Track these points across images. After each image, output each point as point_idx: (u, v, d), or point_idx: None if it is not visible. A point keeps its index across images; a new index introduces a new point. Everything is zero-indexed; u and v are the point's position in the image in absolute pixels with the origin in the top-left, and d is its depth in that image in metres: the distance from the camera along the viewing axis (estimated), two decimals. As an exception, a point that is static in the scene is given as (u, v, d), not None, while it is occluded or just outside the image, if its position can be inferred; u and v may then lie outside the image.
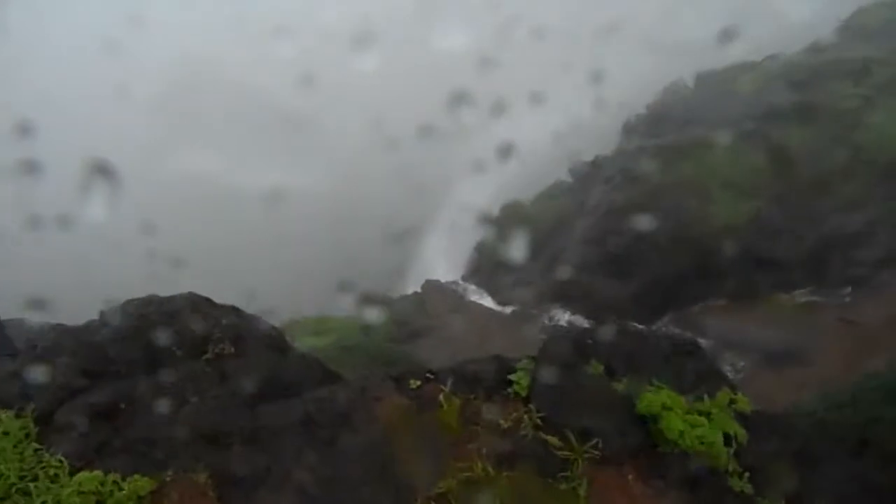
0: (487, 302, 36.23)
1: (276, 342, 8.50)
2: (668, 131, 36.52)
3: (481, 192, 42.58)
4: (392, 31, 42.23)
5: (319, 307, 31.58)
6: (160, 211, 30.46)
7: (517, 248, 36.85)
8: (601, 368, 8.00)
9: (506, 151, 34.09)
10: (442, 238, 43.70)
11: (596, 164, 39.07)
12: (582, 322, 29.32)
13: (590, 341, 8.71)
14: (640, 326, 10.71)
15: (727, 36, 29.57)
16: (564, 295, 32.32)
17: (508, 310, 34.60)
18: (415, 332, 31.84)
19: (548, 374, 7.94)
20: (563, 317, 31.61)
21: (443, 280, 39.53)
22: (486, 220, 41.67)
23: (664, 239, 29.33)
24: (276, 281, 34.78)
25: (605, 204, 32.86)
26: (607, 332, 9.02)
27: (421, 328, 32.63)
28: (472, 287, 38.77)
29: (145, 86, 41.72)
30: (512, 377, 8.06)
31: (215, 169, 37.00)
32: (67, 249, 26.74)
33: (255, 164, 38.68)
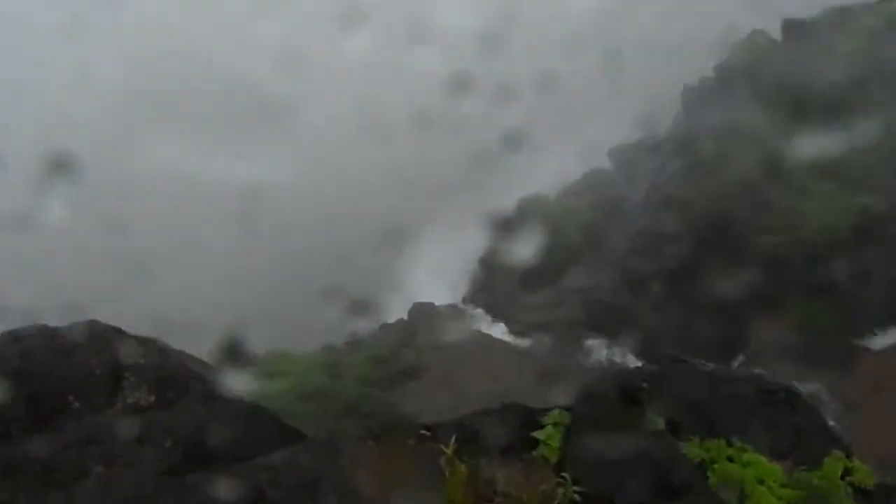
0: (498, 331, 36.24)
1: (213, 388, 8.31)
2: (744, 100, 36.65)
3: (485, 188, 43.56)
4: (384, 8, 47.23)
5: (294, 322, 34.22)
6: (127, 209, 34.91)
7: (539, 258, 36.85)
8: (661, 423, 7.83)
9: (513, 141, 35.26)
10: (437, 246, 43.78)
11: (645, 145, 39.28)
12: (630, 359, 29.29)
13: (644, 385, 8.57)
14: (712, 365, 10.60)
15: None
16: (605, 321, 32.34)
17: (527, 342, 34.56)
18: (401, 374, 31.80)
19: (588, 431, 7.77)
20: (605, 352, 31.59)
21: (437, 302, 39.53)
22: (495, 221, 41.82)
23: (740, 249, 29.41)
24: (250, 291, 38.65)
25: (659, 199, 32.98)
26: (667, 372, 8.89)
27: (408, 368, 32.59)
28: (478, 311, 38.79)
29: (113, 70, 46.94)
30: (538, 435, 7.88)
31: (188, 162, 40.74)
32: (25, 250, 30.69)
33: (231, 156, 42.40)
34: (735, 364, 27.68)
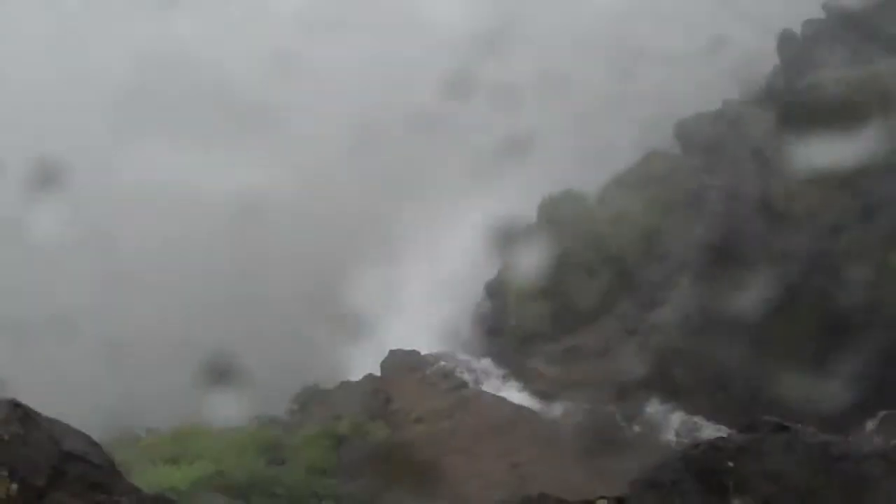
0: (514, 392, 36.34)
1: (98, 475, 8.50)
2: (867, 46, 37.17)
3: (487, 198, 45.91)
4: (380, 8, 61.88)
5: (284, 341, 42.70)
6: (115, 217, 47.71)
7: (573, 285, 37.08)
8: (754, 519, 8.08)
9: (517, 146, 37.46)
10: (424, 270, 44.51)
11: (729, 114, 39.64)
12: (708, 429, 29.47)
13: (730, 465, 8.82)
14: (827, 436, 10.75)
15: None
16: (672, 376, 32.53)
17: (557, 408, 34.71)
18: (370, 458, 31.80)
19: (648, 532, 8.00)
20: (672, 419, 31.76)
21: (425, 350, 39.66)
22: (509, 231, 42.32)
23: (878, 267, 29.71)
24: (238, 306, 49.60)
25: (753, 194, 33.28)
26: (762, 446, 9.11)
27: (381, 449, 32.61)
28: (483, 363, 38.89)
29: (102, 77, 58.89)
30: (577, 538, 8.12)
31: (178, 169, 51.59)
32: (11, 259, 40.41)
33: (222, 163, 53.20)
34: (862, 433, 27.86)
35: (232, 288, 51.35)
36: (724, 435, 10.56)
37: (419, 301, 43.64)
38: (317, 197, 54.38)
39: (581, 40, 52.84)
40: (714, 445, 9.03)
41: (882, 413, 28.93)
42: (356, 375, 39.64)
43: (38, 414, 8.60)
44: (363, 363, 40.29)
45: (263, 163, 54.03)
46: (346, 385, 39.05)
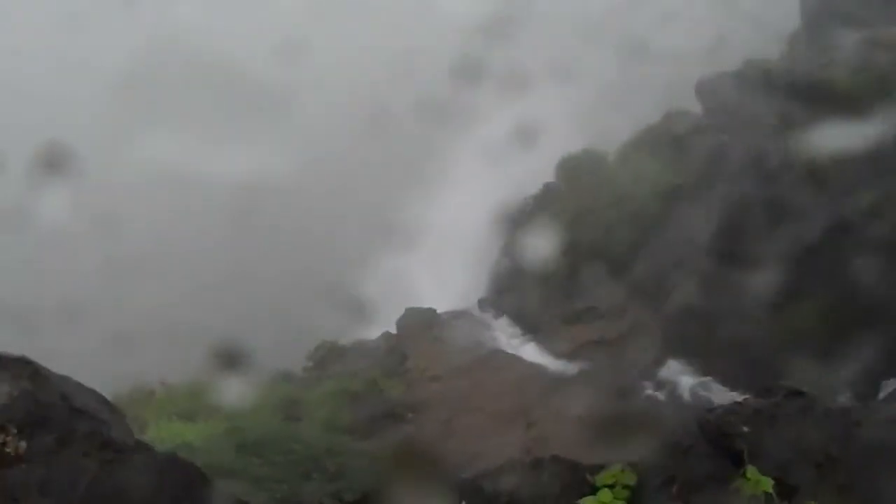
0: (531, 351, 36.44)
1: (110, 432, 8.50)
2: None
3: (495, 186, 46.19)
4: None
5: (292, 323, 42.70)
6: (121, 204, 47.44)
7: (591, 244, 36.99)
8: (768, 484, 7.97)
9: (526, 134, 37.45)
10: (446, 233, 44.74)
11: (753, 73, 39.20)
12: (724, 393, 29.44)
13: (745, 430, 8.75)
14: (845, 400, 10.72)
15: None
16: (689, 338, 32.49)
17: (573, 367, 34.76)
18: (385, 415, 32.00)
19: (662, 497, 7.95)
20: (688, 382, 31.75)
21: (441, 308, 39.74)
22: (526, 194, 42.45)
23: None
24: (246, 290, 51.26)
25: (775, 154, 33.02)
26: (779, 411, 9.04)
27: (396, 406, 32.80)
28: (500, 321, 39.04)
29: (107, 63, 59.68)
30: (589, 501, 8.06)
31: (183, 155, 51.07)
32: (17, 247, 41.57)
33: (227, 150, 53.32)
34: (881, 396, 27.79)
35: (238, 274, 52.25)
36: (740, 399, 10.47)
37: (435, 261, 43.66)
38: (324, 183, 55.90)
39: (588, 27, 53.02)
40: (729, 410, 8.97)
41: (891, 381, 28.84)
42: (373, 333, 39.81)
43: (48, 370, 8.61)
44: (380, 321, 40.44)
45: (270, 149, 54.42)
46: (361, 342, 39.24)
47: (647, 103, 45.82)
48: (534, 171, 45.61)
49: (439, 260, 44.08)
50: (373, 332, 40.44)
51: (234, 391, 31.94)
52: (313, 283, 45.68)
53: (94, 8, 62.35)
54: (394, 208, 50.58)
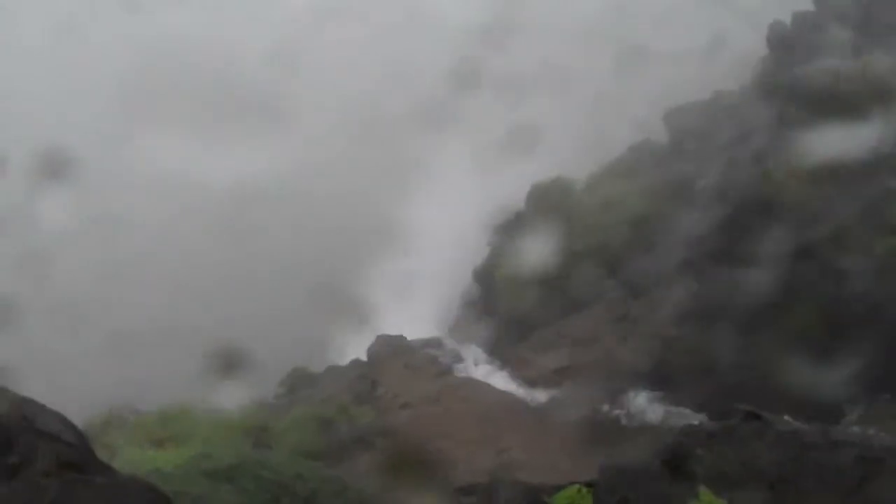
0: (500, 379, 36.39)
1: (74, 454, 8.51)
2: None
3: (487, 187, 46.77)
4: None
5: (287, 330, 43.99)
6: (119, 208, 50.98)
7: (562, 271, 37.04)
8: (720, 504, 8.13)
9: (522, 137, 38.34)
10: (420, 258, 44.76)
11: (720, 104, 39.68)
12: (686, 415, 29.55)
13: (699, 452, 8.88)
14: (798, 424, 10.85)
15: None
16: (659, 365, 32.56)
17: (542, 394, 34.78)
18: (356, 441, 31.85)
19: (615, 516, 8.05)
20: (657, 409, 31.80)
21: (411, 335, 39.68)
22: (499, 218, 42.51)
23: (869, 253, 29.76)
24: (240, 294, 52.28)
25: (743, 183, 33.30)
26: (733, 434, 9.17)
27: (367, 432, 32.63)
28: (471, 349, 38.93)
29: (104, 68, 62.81)
30: (546, 522, 8.18)
31: (180, 161, 54.51)
32: (18, 249, 40.80)
33: (223, 155, 55.71)
34: (844, 422, 27.92)
35: (233, 276, 53.17)
36: (699, 421, 10.61)
37: (410, 286, 43.71)
38: (320, 186, 56.49)
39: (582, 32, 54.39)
40: (684, 432, 9.11)
41: (867, 403, 29.01)
42: (344, 360, 39.72)
43: (10, 392, 8.61)
44: (351, 348, 40.39)
45: (268, 152, 55.91)
46: (333, 369, 39.13)
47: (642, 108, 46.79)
48: (526, 174, 45.77)
49: (422, 262, 44.42)
50: (345, 351, 40.63)
51: (206, 417, 31.96)
52: (307, 285, 46.24)
53: (94, 15, 64.80)
54: (387, 210, 51.88)
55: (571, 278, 37.56)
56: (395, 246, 49.14)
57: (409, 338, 39.69)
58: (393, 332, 40.26)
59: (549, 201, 41.54)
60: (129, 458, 24.62)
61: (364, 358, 39.00)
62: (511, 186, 45.57)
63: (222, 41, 62.63)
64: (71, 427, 8.74)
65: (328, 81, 61.53)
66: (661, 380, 32.82)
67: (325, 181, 56.82)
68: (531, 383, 35.70)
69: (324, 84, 60.96)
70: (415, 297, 43.19)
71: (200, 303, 48.88)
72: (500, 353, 38.24)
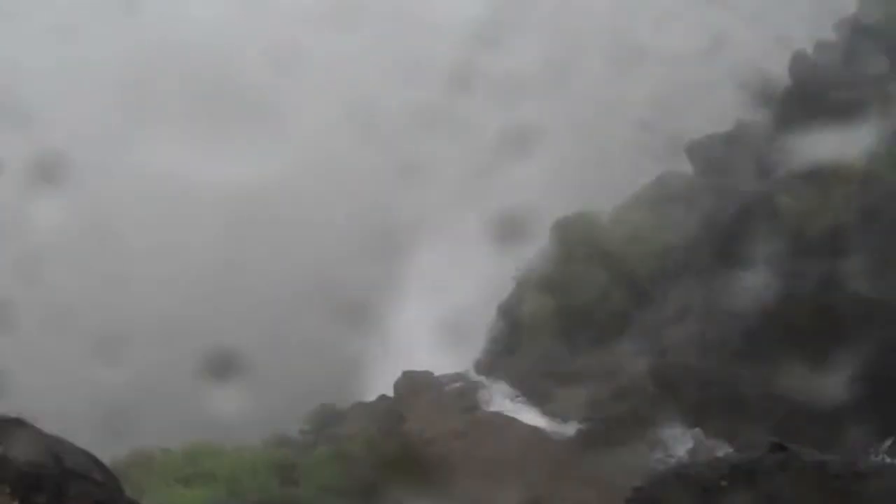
0: (528, 414, 36.28)
1: (102, 492, 8.61)
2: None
3: (492, 198, 45.60)
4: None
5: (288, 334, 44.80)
6: (117, 211, 50.66)
7: (589, 305, 37.00)
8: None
9: (518, 140, 38.27)
10: (440, 281, 44.65)
11: (745, 137, 39.61)
12: (714, 447, 29.35)
13: (723, 484, 8.87)
14: (831, 456, 10.78)
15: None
16: (688, 399, 32.43)
17: (570, 429, 34.67)
18: (385, 475, 31.80)
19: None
20: (681, 440, 31.66)
21: (437, 370, 39.68)
22: (522, 251, 42.47)
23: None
24: (240, 298, 53.15)
25: (767, 214, 33.23)
26: (760, 466, 9.14)
27: (394, 468, 32.59)
28: (498, 385, 38.86)
29: (102, 69, 62.80)
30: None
31: (178, 162, 53.59)
32: (13, 253, 41.08)
33: (222, 156, 54.64)
34: (881, 451, 27.62)
35: (231, 279, 53.57)
36: (731, 452, 10.57)
37: (431, 317, 43.54)
38: (319, 187, 56.93)
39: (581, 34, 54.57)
40: (708, 464, 9.09)
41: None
42: (369, 396, 39.72)
43: (41, 431, 8.72)
44: (377, 384, 40.39)
45: (266, 155, 55.40)
46: (359, 405, 39.15)
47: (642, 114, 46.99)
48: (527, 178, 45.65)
49: (429, 305, 44.13)
50: (370, 387, 40.63)
51: (232, 455, 32.04)
52: (306, 287, 47.30)
53: (92, 17, 63.58)
54: (388, 214, 52.44)
55: (596, 311, 37.57)
56: (399, 250, 49.70)
57: (435, 373, 39.67)
58: (417, 366, 40.26)
59: (573, 234, 41.50)
60: (157, 496, 24.80)
61: (390, 393, 38.98)
62: (511, 188, 45.56)
63: (222, 41, 62.40)
64: (100, 466, 8.85)
65: (328, 82, 61.65)
66: (689, 412, 32.68)
67: (326, 182, 57.34)
68: (558, 418, 35.60)
69: (324, 85, 61.19)
70: (440, 332, 43.07)
71: (201, 304, 49.36)
72: (526, 387, 38.09)
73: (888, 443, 28.31)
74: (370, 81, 60.74)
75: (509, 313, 41.59)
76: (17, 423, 8.54)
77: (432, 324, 43.08)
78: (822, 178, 32.35)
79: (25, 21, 67.19)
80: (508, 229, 41.02)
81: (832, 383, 28.93)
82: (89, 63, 63.22)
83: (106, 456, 9.79)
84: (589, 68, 50.79)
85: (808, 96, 39.23)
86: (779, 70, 43.22)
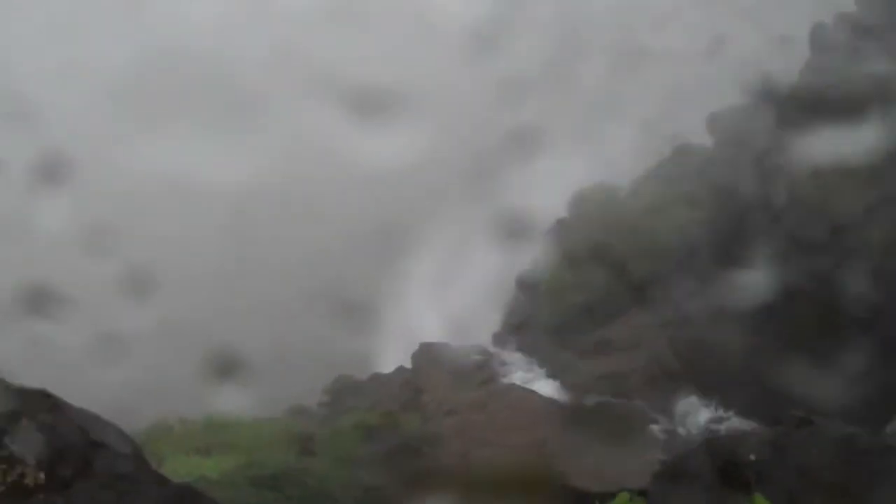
0: (546, 386, 36.28)
1: (127, 464, 8.61)
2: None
3: (493, 197, 45.88)
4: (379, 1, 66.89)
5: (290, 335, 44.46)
6: (117, 211, 49.06)
7: (607, 278, 36.93)
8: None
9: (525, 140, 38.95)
10: (453, 260, 44.55)
11: (763, 107, 39.24)
12: (738, 422, 29.29)
13: (752, 459, 8.80)
14: (854, 429, 10.69)
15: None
16: (707, 371, 32.45)
17: (589, 400, 34.64)
18: (402, 448, 31.88)
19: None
20: (704, 413, 31.67)
21: (455, 342, 39.67)
22: (539, 225, 42.38)
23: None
24: (242, 298, 52.90)
25: (777, 190, 33.06)
26: (787, 440, 9.07)
27: (413, 440, 32.67)
28: (515, 356, 38.88)
29: (103, 69, 63.16)
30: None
31: (178, 162, 54.44)
32: (14, 254, 41.60)
33: (222, 156, 56.03)
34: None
35: (232, 279, 53.90)
36: (751, 428, 10.51)
37: (447, 291, 43.57)
38: (318, 188, 57.34)
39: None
40: (736, 439, 9.03)
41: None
42: (387, 367, 39.76)
43: (66, 403, 8.73)
44: (395, 354, 40.41)
45: (267, 155, 56.52)
46: (377, 377, 39.20)
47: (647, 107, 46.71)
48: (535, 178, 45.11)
49: (445, 280, 44.11)
50: (387, 359, 40.69)
51: (250, 426, 32.18)
52: (306, 287, 46.75)
53: (92, 17, 65.05)
54: (390, 215, 51.93)
55: (615, 284, 37.49)
56: (410, 249, 48.84)
57: (452, 345, 39.65)
58: (433, 338, 40.28)
59: (592, 206, 41.42)
60: (175, 465, 24.93)
61: (408, 365, 39.00)
62: (512, 188, 45.29)
63: (222, 41, 63.20)
64: (125, 437, 8.86)
65: (327, 83, 60.44)
66: (708, 385, 32.60)
67: (327, 183, 57.56)
68: (577, 390, 35.56)
69: (322, 86, 60.39)
70: (458, 304, 43.07)
71: (202, 305, 49.26)
72: (544, 359, 38.06)
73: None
74: (370, 81, 59.88)
75: (527, 285, 41.52)
76: (42, 395, 8.56)
77: (434, 323, 43.11)
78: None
79: (25, 21, 68.31)
80: (510, 229, 41.27)
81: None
82: (89, 63, 63.59)
83: (126, 426, 9.81)
84: (589, 68, 51.13)
85: (826, 69, 38.98)
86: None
